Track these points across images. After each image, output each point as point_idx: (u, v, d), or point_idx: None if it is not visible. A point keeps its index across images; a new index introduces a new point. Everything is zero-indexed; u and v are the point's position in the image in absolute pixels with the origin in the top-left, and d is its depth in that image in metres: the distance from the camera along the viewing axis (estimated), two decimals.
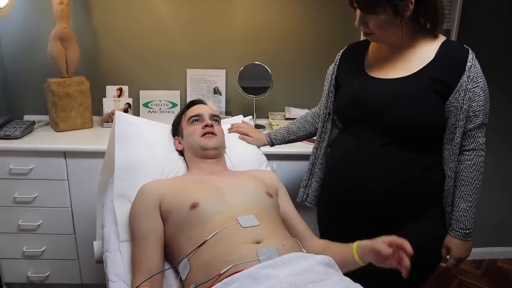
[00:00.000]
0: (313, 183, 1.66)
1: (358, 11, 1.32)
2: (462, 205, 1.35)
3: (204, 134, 1.54)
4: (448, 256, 1.40)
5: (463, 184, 1.35)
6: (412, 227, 1.36)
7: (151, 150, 1.61)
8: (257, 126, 2.29)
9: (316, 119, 1.71)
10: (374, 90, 1.37)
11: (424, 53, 1.34)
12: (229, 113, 2.43)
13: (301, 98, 2.49)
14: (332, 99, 1.55)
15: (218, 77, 2.42)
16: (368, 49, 1.49)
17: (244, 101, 2.39)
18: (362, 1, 1.27)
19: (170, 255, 1.35)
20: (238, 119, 1.95)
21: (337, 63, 1.56)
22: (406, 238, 1.33)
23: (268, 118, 2.46)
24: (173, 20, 2.36)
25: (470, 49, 1.32)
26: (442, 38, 1.36)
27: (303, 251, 1.31)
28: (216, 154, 1.56)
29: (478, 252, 2.73)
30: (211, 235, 1.24)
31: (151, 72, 2.42)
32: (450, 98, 1.30)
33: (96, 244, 1.65)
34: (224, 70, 2.42)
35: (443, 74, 1.30)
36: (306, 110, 2.40)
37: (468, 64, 1.29)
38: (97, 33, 2.35)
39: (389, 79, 1.36)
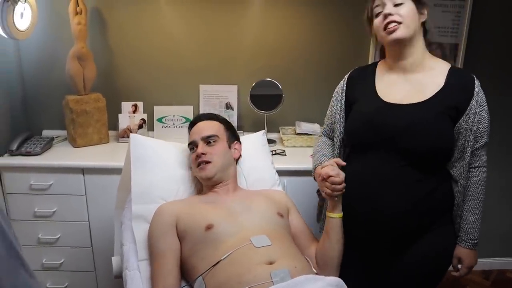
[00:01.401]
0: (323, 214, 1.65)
1: (386, 5, 1.40)
2: (470, 218, 1.45)
3: (198, 165, 1.56)
4: (459, 266, 1.50)
5: (470, 199, 1.45)
6: (424, 241, 1.45)
7: (166, 171, 1.67)
8: (269, 141, 2.34)
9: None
10: (391, 116, 1.41)
11: (433, 79, 1.43)
12: (241, 127, 2.49)
13: (311, 113, 2.54)
14: (343, 124, 1.57)
15: (230, 93, 2.48)
16: (375, 73, 1.54)
17: (256, 116, 2.45)
18: None
19: (186, 274, 1.41)
20: (257, 135, 1.95)
21: (344, 87, 1.59)
22: (419, 251, 1.44)
23: (279, 132, 2.51)
24: (186, 37, 2.43)
25: (475, 76, 1.43)
26: (447, 64, 1.46)
27: (314, 271, 1.37)
28: (217, 180, 1.56)
29: (487, 263, 2.75)
30: (226, 255, 1.30)
31: (165, 88, 2.49)
32: (460, 121, 1.39)
33: (114, 260, 1.72)
34: (236, 86, 2.48)
35: (454, 99, 1.39)
36: (316, 125, 2.46)
37: (476, 89, 1.40)
38: (113, 51, 2.43)
39: (404, 104, 1.42)
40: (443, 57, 2.37)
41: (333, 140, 1.64)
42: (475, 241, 1.47)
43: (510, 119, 2.58)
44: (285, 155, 2.27)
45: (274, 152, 2.25)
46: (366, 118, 1.46)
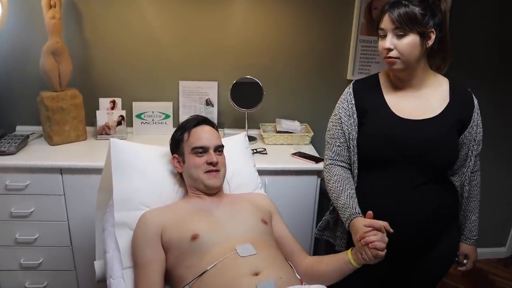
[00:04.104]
0: (340, 231, 1.63)
1: (386, 37, 1.40)
2: (472, 217, 1.61)
3: (208, 171, 1.54)
4: (465, 261, 1.65)
5: (472, 200, 1.60)
6: (436, 248, 1.55)
7: (147, 176, 1.65)
8: (249, 138, 2.34)
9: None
10: (413, 132, 1.45)
11: (439, 94, 1.50)
12: (221, 124, 2.48)
13: (291, 110, 2.55)
14: (355, 143, 1.52)
15: (210, 89, 2.46)
16: (380, 87, 1.54)
17: (236, 112, 2.44)
18: (402, 17, 1.35)
19: (171, 283, 1.42)
20: (240, 137, 1.94)
21: (353, 101, 1.54)
22: (433, 258, 1.56)
23: (259, 129, 2.52)
24: (166, 32, 2.38)
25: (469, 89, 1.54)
26: (446, 80, 1.53)
27: (298, 278, 1.40)
28: (218, 189, 1.59)
29: None
30: (211, 266, 1.31)
31: (144, 83, 2.45)
32: (465, 132, 1.50)
33: (97, 264, 1.71)
34: (216, 82, 2.46)
35: (460, 113, 1.48)
36: (296, 122, 2.48)
37: (475, 102, 1.51)
38: (89, 45, 2.36)
39: (420, 120, 1.46)
40: None
41: (345, 164, 1.56)
42: (476, 237, 1.62)
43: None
44: (266, 153, 2.28)
45: (255, 151, 2.25)
46: (385, 133, 1.47)
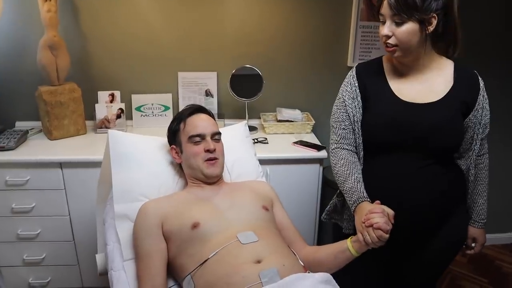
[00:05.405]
0: (347, 214, 1.62)
1: (385, 23, 1.36)
2: (480, 200, 1.58)
3: (206, 160, 1.52)
4: (473, 244, 1.62)
5: (479, 184, 1.57)
6: (443, 231, 1.53)
7: (147, 167, 1.63)
8: (250, 128, 2.32)
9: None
10: (417, 116, 1.42)
11: (442, 77, 1.46)
12: (221, 115, 2.45)
13: (292, 98, 2.52)
14: (360, 126, 1.51)
15: (210, 80, 2.43)
16: (383, 71, 1.51)
17: (236, 102, 2.42)
18: (400, 5, 1.31)
19: (174, 273, 1.41)
20: (240, 126, 1.92)
21: (356, 84, 1.51)
22: (440, 242, 1.53)
23: (260, 118, 2.49)
24: (163, 23, 2.35)
25: (476, 71, 1.50)
26: (450, 62, 1.49)
27: (301, 264, 1.38)
28: (218, 178, 1.57)
29: None
30: (213, 254, 1.29)
31: (142, 76, 2.43)
32: (470, 116, 1.46)
33: (98, 257, 1.70)
34: (216, 73, 2.43)
35: (465, 96, 1.45)
36: (297, 111, 2.45)
37: (481, 84, 1.47)
38: (87, 38, 2.34)
39: (424, 104, 1.43)
40: None
41: (351, 147, 1.53)
42: (485, 221, 1.59)
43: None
44: (267, 143, 2.25)
45: (255, 140, 2.23)
46: (389, 118, 1.44)
